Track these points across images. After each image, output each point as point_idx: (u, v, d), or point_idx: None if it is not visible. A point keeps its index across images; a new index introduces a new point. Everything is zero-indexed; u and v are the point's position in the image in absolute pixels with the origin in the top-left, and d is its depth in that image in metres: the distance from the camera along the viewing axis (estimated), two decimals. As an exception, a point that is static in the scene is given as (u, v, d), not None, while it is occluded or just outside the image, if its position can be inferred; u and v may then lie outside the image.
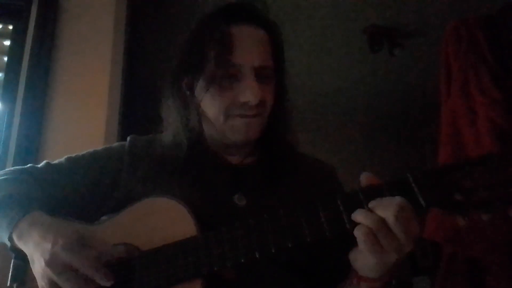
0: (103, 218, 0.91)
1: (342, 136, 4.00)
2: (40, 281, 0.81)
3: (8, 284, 0.90)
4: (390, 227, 0.67)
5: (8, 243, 0.87)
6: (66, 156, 1.01)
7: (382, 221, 0.67)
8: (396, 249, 0.68)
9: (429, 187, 0.69)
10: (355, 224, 0.70)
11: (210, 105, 0.91)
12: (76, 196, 0.95)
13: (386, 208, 0.68)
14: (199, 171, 0.92)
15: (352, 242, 0.74)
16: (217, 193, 0.91)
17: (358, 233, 0.69)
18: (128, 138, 1.02)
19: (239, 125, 0.90)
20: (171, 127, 0.96)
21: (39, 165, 1.01)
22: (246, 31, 0.90)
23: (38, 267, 0.80)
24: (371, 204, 0.70)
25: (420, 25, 2.92)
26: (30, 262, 0.83)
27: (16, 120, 1.67)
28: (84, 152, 1.02)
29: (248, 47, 0.89)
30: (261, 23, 0.92)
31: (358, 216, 0.69)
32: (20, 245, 0.84)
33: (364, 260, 0.73)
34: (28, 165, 1.01)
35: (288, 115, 0.98)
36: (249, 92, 0.87)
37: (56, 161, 1.01)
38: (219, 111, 0.90)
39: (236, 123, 0.90)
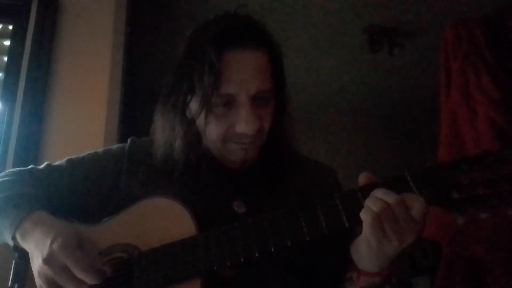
0: (104, 219, 0.91)
1: (342, 136, 3.99)
2: (37, 279, 0.81)
3: (9, 284, 0.90)
4: (394, 213, 0.68)
5: (11, 243, 0.87)
6: (66, 158, 1.02)
7: (388, 207, 0.68)
8: (398, 234, 0.69)
9: (427, 185, 0.70)
10: (354, 222, 0.71)
11: (205, 128, 0.88)
12: (76, 197, 0.96)
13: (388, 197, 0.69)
14: (198, 175, 0.90)
15: (350, 241, 0.74)
16: (216, 199, 0.90)
17: (365, 215, 0.70)
18: (129, 141, 1.01)
19: (237, 150, 0.88)
20: (166, 134, 0.93)
21: (40, 167, 1.01)
22: (241, 57, 0.84)
23: (36, 264, 0.81)
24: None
25: (420, 25, 2.92)
26: (30, 260, 0.84)
27: (16, 120, 1.67)
28: (84, 153, 1.02)
29: (243, 75, 0.83)
30: (259, 44, 0.86)
31: (368, 200, 0.70)
32: (23, 244, 0.85)
33: (366, 249, 0.73)
34: (29, 166, 1.02)
35: (289, 122, 0.95)
36: (245, 124, 0.83)
37: (57, 163, 1.01)
38: (216, 137, 0.87)
39: (233, 148, 0.88)
